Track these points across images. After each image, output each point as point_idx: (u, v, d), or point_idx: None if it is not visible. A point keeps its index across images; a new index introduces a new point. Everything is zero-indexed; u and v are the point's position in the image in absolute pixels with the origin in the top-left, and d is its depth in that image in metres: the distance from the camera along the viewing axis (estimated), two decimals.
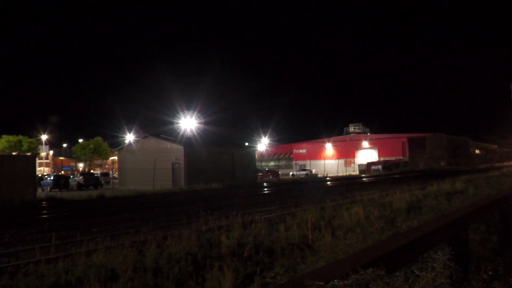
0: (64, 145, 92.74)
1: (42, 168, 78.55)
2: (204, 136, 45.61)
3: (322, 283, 2.39)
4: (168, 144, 40.71)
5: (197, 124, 48.49)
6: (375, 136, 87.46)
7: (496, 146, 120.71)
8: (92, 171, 64.91)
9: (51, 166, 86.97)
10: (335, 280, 2.47)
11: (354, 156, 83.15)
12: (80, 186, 41.67)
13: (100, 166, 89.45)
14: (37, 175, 39.73)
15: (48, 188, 40.10)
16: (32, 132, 73.78)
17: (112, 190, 34.38)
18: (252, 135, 75.52)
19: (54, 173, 62.54)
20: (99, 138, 73.97)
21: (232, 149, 45.37)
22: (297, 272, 5.83)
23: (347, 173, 64.42)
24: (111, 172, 55.40)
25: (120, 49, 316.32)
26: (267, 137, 76.88)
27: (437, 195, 14.52)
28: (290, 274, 5.73)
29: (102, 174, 53.20)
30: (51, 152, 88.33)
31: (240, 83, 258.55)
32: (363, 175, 55.57)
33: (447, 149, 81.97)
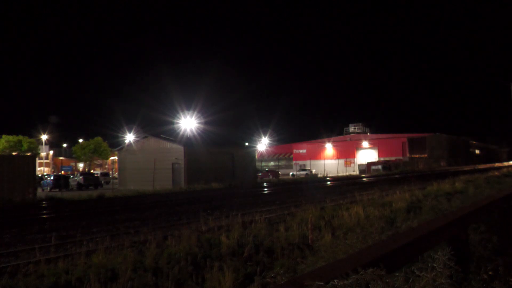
0: (64, 145, 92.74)
1: (42, 168, 78.55)
2: (204, 136, 45.62)
3: (322, 283, 2.39)
4: (168, 144, 40.71)
5: (197, 124, 48.52)
6: (375, 136, 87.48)
7: (496, 146, 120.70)
8: (92, 171, 64.89)
9: (51, 166, 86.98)
10: (335, 280, 2.47)
11: (354, 156, 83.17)
12: (80, 186, 41.66)
13: (100, 166, 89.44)
14: (37, 175, 39.72)
15: (48, 188, 40.07)
16: (32, 132, 73.94)
17: (112, 190, 34.37)
18: (252, 135, 75.59)
19: (54, 173, 62.52)
20: (99, 138, 73.99)
21: (232, 149, 45.37)
22: (297, 272, 5.83)
23: (347, 173, 64.43)
24: (111, 172, 55.40)
25: (120, 49, 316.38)
26: (267, 137, 76.93)
27: (437, 195, 14.51)
28: (290, 274, 5.73)
29: (102, 174, 53.18)
30: (51, 152, 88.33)
31: (240, 83, 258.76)
32: (363, 175, 55.58)
33: (447, 149, 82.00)
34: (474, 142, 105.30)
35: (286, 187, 33.18)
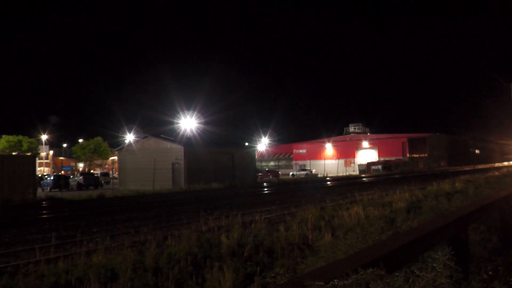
0: (64, 145, 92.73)
1: (42, 168, 78.54)
2: (204, 136, 45.65)
3: (322, 283, 2.39)
4: (168, 144, 40.72)
5: (197, 124, 48.57)
6: (375, 136, 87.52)
7: (496, 146, 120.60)
8: (92, 171, 64.89)
9: (51, 166, 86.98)
10: (335, 280, 2.48)
11: (354, 156, 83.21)
12: (80, 186, 41.67)
13: (100, 166, 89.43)
14: (37, 175, 39.72)
15: (48, 188, 40.08)
16: (32, 132, 73.90)
17: (112, 190, 34.38)
18: (252, 135, 75.65)
19: (54, 173, 62.53)
20: (99, 138, 73.97)
21: (232, 149, 45.37)
22: (297, 272, 5.83)
23: (347, 173, 64.44)
24: (111, 172, 55.41)
25: (120, 49, 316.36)
26: (267, 137, 76.97)
27: (437, 195, 14.51)
28: (290, 274, 5.73)
29: (102, 174, 53.18)
30: (51, 152, 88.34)
31: (240, 83, 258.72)
32: (363, 175, 55.59)
33: (447, 149, 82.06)
34: (474, 142, 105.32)
35: (286, 187, 33.18)
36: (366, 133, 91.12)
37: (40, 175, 51.80)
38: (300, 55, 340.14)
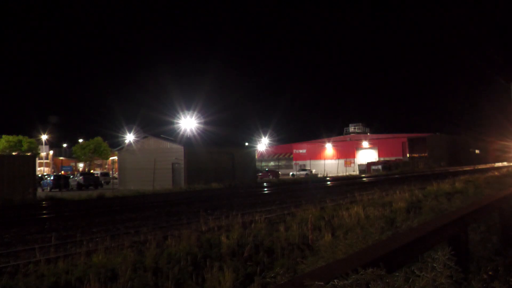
0: (64, 145, 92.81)
1: (42, 168, 78.56)
2: (204, 136, 45.66)
3: (322, 283, 2.39)
4: (168, 144, 40.73)
5: (197, 124, 48.61)
6: (375, 136, 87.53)
7: (496, 146, 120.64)
8: (92, 171, 64.90)
9: (51, 166, 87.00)
10: (335, 280, 2.48)
11: (354, 156, 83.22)
12: (80, 186, 41.67)
13: (100, 166, 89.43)
14: (37, 175, 39.72)
15: (48, 188, 40.09)
16: (32, 132, 73.99)
17: (112, 190, 34.38)
18: (252, 135, 75.73)
19: (54, 173, 62.52)
20: (99, 138, 73.98)
21: (232, 149, 45.38)
22: (297, 272, 5.83)
23: (347, 173, 64.43)
24: (111, 172, 55.40)
25: (120, 49, 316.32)
26: (267, 137, 77.04)
27: (437, 195, 14.52)
28: (290, 274, 5.73)
29: (102, 174, 53.20)
30: (51, 152, 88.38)
31: (240, 83, 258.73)
32: (363, 175, 55.58)
33: (447, 149, 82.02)
34: (474, 142, 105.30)
35: (286, 187, 33.17)
36: (366, 133, 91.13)
37: (40, 175, 51.83)
38: (300, 55, 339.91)
